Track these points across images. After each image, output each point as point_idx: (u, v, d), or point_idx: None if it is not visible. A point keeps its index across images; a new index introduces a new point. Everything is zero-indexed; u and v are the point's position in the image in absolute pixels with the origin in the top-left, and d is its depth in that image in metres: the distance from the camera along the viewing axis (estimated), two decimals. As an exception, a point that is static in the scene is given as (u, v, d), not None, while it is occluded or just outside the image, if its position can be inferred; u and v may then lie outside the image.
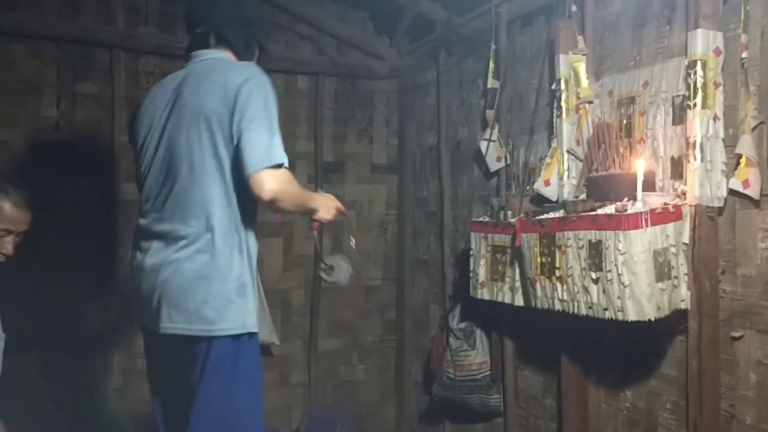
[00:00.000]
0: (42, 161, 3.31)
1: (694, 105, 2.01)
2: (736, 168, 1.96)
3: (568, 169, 2.54)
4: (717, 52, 2.02)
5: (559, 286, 2.24)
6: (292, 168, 1.97)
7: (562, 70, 2.54)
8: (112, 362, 3.38)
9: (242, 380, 1.93)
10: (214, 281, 1.89)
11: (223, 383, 1.90)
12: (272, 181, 1.84)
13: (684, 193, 2.05)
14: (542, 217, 2.36)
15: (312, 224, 2.17)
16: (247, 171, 1.84)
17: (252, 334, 1.96)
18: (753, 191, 1.92)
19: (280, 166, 1.88)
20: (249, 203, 1.95)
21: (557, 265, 2.24)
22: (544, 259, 2.31)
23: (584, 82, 2.48)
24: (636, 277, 1.97)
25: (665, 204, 2.04)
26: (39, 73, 3.31)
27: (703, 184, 2.00)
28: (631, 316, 1.98)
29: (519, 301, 2.54)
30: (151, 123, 2.03)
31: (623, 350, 2.38)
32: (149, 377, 2.17)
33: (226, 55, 2.06)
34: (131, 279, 2.08)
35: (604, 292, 2.05)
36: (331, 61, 3.92)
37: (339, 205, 2.17)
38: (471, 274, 2.80)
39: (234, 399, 1.91)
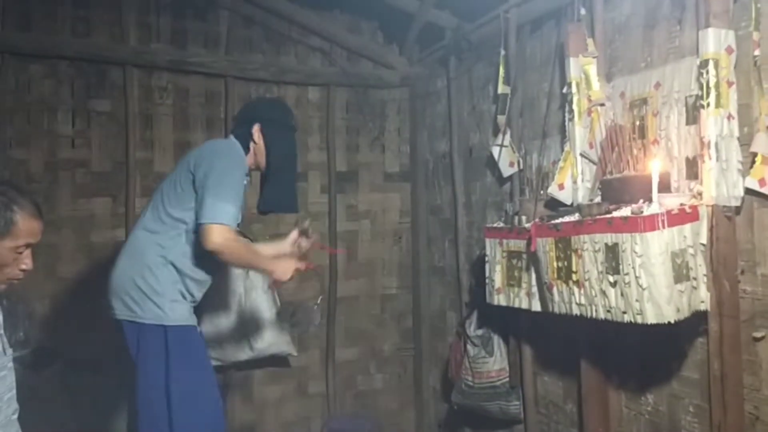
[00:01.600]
0: (59, 179, 3.35)
1: (708, 104, 1.99)
2: (752, 166, 1.94)
3: (582, 173, 2.53)
4: (729, 50, 2.00)
5: (576, 290, 2.22)
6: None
7: (573, 73, 2.53)
8: (130, 377, 3.39)
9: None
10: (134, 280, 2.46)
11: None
12: (214, 236, 2.28)
13: (700, 194, 2.03)
14: (557, 221, 2.35)
15: (271, 283, 2.59)
16: (198, 221, 2.32)
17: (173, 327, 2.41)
18: (770, 189, 1.90)
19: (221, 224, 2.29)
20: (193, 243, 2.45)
21: (574, 269, 2.22)
22: (560, 264, 2.29)
23: (595, 84, 2.47)
24: (654, 279, 1.95)
25: (681, 205, 2.02)
26: (54, 92, 3.36)
27: (719, 184, 1.98)
28: (651, 318, 1.96)
29: (536, 307, 2.52)
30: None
31: (643, 353, 2.36)
32: None
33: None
34: None
35: (622, 295, 2.04)
36: (342, 71, 3.94)
37: (298, 266, 2.49)
38: (487, 281, 2.78)
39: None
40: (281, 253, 2.70)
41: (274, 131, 2.55)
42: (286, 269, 2.46)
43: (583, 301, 2.20)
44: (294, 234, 2.77)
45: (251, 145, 2.54)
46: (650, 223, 1.95)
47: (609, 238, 2.07)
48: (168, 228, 2.42)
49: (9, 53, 3.24)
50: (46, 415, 2.77)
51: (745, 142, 1.99)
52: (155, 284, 2.39)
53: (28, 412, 1.78)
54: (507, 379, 3.02)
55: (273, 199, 2.61)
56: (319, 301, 2.92)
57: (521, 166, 3.02)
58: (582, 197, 2.51)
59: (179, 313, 2.43)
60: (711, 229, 2.01)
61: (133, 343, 2.42)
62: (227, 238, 2.30)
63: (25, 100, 3.30)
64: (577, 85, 2.53)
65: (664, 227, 1.95)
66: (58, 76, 3.37)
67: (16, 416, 1.73)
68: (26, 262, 1.71)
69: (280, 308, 3.04)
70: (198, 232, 2.33)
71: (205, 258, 2.41)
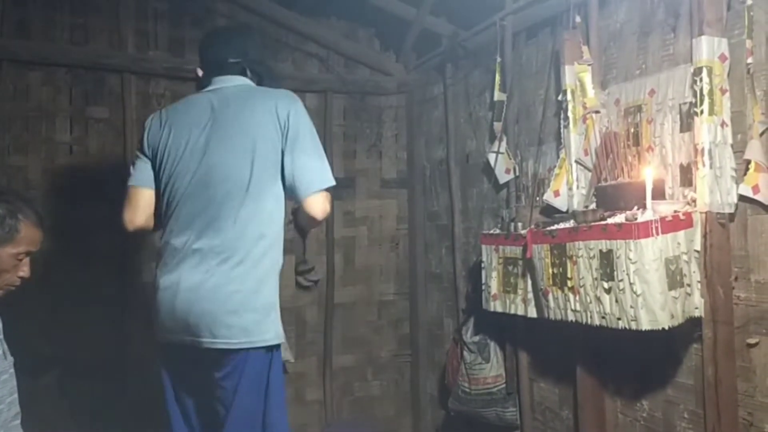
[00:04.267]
0: (56, 186, 3.36)
1: (701, 112, 2.01)
2: (745, 174, 1.96)
3: (577, 179, 2.54)
4: (722, 58, 2.02)
5: (571, 296, 2.23)
6: None
7: (568, 80, 2.55)
8: (128, 383, 3.40)
9: (274, 390, 2.05)
10: (253, 295, 1.99)
11: (258, 393, 2.01)
12: (327, 203, 2.04)
13: (694, 200, 2.04)
14: (553, 227, 2.36)
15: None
16: (303, 193, 2.01)
17: (279, 346, 2.08)
18: (763, 196, 1.92)
19: (328, 189, 2.05)
20: (282, 222, 2.08)
21: (569, 275, 2.23)
22: (555, 270, 2.30)
23: (590, 91, 2.48)
24: (648, 285, 1.96)
25: (675, 212, 2.03)
26: (52, 99, 3.37)
27: (712, 191, 1.99)
28: (645, 325, 1.97)
29: (532, 313, 2.53)
30: (187, 141, 2.08)
31: (638, 360, 2.37)
32: (172, 393, 2.18)
33: (252, 84, 2.19)
34: (156, 296, 2.09)
35: (616, 301, 2.05)
36: (339, 78, 3.96)
37: None
38: (483, 287, 2.79)
39: (265, 408, 2.03)
40: None
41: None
42: None
43: (578, 307, 2.21)
44: None
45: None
46: (644, 230, 1.96)
47: (603, 244, 2.08)
48: (268, 210, 2.02)
49: (7, 60, 3.25)
50: (44, 422, 2.77)
51: (738, 149, 2.01)
52: (272, 294, 2.04)
53: (25, 418, 1.79)
54: (503, 385, 3.03)
55: None
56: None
57: (517, 173, 3.03)
58: (577, 204, 2.52)
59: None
60: (705, 236, 2.02)
61: (233, 374, 1.99)
62: (330, 203, 2.08)
63: (23, 108, 3.30)
64: (573, 92, 2.54)
65: (658, 234, 1.96)
66: (56, 84, 3.38)
67: (18, 421, 1.76)
68: (24, 270, 1.76)
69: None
70: (301, 202, 2.03)
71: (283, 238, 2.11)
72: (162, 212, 2.14)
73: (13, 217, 1.68)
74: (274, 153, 2.02)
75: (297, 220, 2.25)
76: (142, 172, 2.18)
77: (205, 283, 1.97)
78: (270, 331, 2.01)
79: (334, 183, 2.06)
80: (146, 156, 2.19)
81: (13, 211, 1.69)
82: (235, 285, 1.97)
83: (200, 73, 2.23)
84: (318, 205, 2.02)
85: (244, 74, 2.17)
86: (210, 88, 2.16)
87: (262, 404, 2.02)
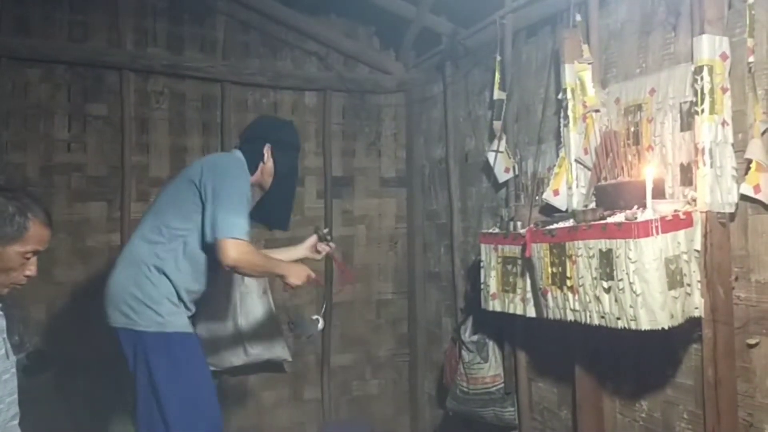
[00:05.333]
0: (54, 183, 3.35)
1: (702, 111, 2.00)
2: (746, 173, 1.94)
3: (577, 178, 2.53)
4: (723, 57, 2.01)
5: (570, 296, 2.22)
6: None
7: (568, 79, 2.54)
8: (126, 381, 3.38)
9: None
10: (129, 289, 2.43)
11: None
12: (233, 250, 2.27)
13: (694, 200, 2.03)
14: (552, 227, 2.35)
15: (285, 287, 2.53)
16: (211, 237, 2.30)
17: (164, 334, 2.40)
18: (764, 196, 1.91)
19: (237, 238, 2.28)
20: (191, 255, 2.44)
21: (568, 275, 2.22)
22: (555, 269, 2.29)
23: (590, 90, 2.47)
24: (648, 285, 1.95)
25: (675, 211, 2.02)
26: (51, 96, 3.37)
27: (713, 190, 1.98)
28: (644, 325, 1.96)
29: (531, 312, 2.52)
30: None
31: (638, 359, 2.36)
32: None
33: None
34: None
35: (616, 301, 2.04)
36: (339, 76, 3.95)
37: (310, 273, 2.50)
38: (482, 286, 2.78)
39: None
40: (295, 258, 2.73)
41: (283, 153, 2.59)
42: (299, 274, 2.48)
43: (577, 306, 2.19)
44: (313, 239, 2.82)
45: (260, 164, 2.56)
46: (644, 230, 1.95)
47: (603, 244, 2.07)
48: (165, 240, 2.40)
49: (6, 57, 3.25)
50: (41, 419, 2.76)
51: (739, 148, 2.00)
52: (153, 292, 2.38)
53: (23, 415, 1.79)
54: (502, 385, 3.02)
55: (267, 212, 2.63)
56: (322, 312, 2.87)
57: (517, 172, 3.02)
58: (577, 203, 2.51)
59: (179, 321, 2.42)
60: (705, 236, 2.01)
61: (130, 352, 2.40)
62: (243, 252, 2.29)
63: (21, 104, 3.30)
64: (573, 91, 2.53)
65: (658, 233, 1.95)
66: (55, 81, 3.37)
67: (16, 422, 1.76)
68: (31, 269, 1.76)
69: (277, 317, 3.01)
70: (206, 247, 2.35)
71: (199, 272, 2.45)
72: None
73: (22, 215, 1.68)
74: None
75: None
76: None
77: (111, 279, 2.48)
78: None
79: (236, 235, 2.28)
80: None
81: (23, 209, 1.68)
82: (120, 280, 2.44)
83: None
84: (220, 252, 2.29)
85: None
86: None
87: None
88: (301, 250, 2.81)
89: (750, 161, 1.92)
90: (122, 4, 3.48)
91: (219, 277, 2.73)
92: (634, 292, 1.96)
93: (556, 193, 2.60)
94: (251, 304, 3.36)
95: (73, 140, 3.41)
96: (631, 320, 1.99)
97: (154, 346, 2.36)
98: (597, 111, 2.47)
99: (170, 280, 2.40)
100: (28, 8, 3.31)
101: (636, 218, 1.98)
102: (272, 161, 2.57)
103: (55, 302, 3.29)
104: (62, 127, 3.39)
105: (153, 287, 2.38)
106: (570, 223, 2.29)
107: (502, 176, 3.07)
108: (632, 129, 2.34)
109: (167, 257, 2.40)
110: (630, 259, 1.97)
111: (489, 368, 3.02)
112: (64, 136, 3.40)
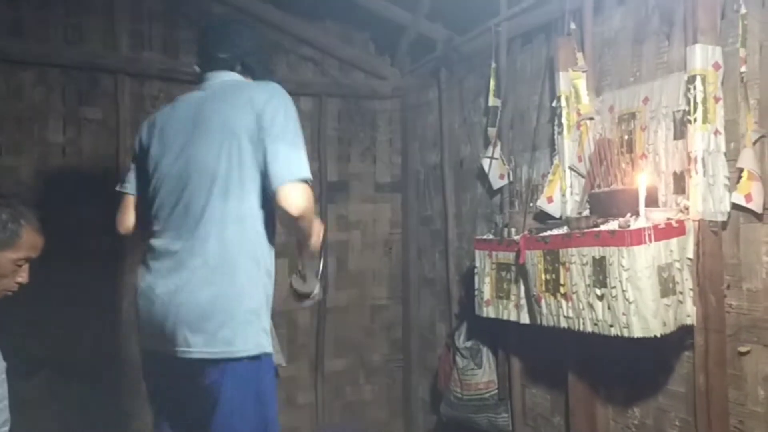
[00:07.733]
0: (49, 187, 3.34)
1: (695, 120, 2.01)
2: (738, 182, 1.96)
3: (571, 186, 2.54)
4: (716, 66, 2.02)
5: (564, 303, 2.23)
6: None
7: (563, 87, 2.55)
8: (119, 385, 3.38)
9: (260, 401, 1.88)
10: (233, 301, 1.83)
11: (241, 404, 1.84)
12: (301, 198, 1.77)
13: (687, 208, 2.05)
14: (546, 234, 2.36)
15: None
16: (273, 184, 1.77)
17: (268, 354, 1.90)
18: (756, 205, 1.92)
19: (305, 181, 1.81)
20: (271, 220, 1.90)
21: (562, 282, 2.23)
22: (548, 276, 2.30)
23: (585, 98, 2.49)
24: (641, 293, 1.96)
25: (668, 219, 2.03)
26: (45, 100, 3.35)
27: (705, 199, 2.00)
28: (637, 332, 1.97)
29: (524, 319, 2.53)
30: (170, 142, 1.97)
31: (630, 367, 2.37)
32: (155, 401, 2.12)
33: (246, 79, 2.07)
34: (136, 302, 2.00)
35: (609, 308, 2.05)
36: (334, 81, 3.96)
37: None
38: (476, 292, 2.79)
39: (251, 420, 1.86)
40: None
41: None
42: (319, 233, 2.04)
43: (570, 314, 2.20)
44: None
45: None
46: (637, 237, 1.96)
47: (596, 251, 2.08)
48: (250, 210, 1.85)
49: (0, 60, 3.23)
50: (32, 423, 2.75)
51: (731, 157, 2.01)
52: (260, 297, 1.87)
53: (14, 420, 1.77)
54: (495, 391, 3.02)
55: None
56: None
57: (511, 179, 3.03)
58: (570, 210, 2.52)
59: (268, 337, 1.91)
60: (697, 244, 2.02)
61: (214, 387, 1.82)
62: (311, 199, 1.82)
63: (16, 108, 3.28)
64: (567, 98, 2.54)
65: (650, 241, 1.96)
66: (50, 84, 3.36)
67: (7, 428, 1.74)
68: (23, 276, 1.76)
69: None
70: (271, 197, 1.80)
71: (274, 238, 1.93)
72: (148, 214, 2.04)
73: (15, 221, 1.68)
74: (253, 147, 1.84)
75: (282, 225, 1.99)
76: (129, 178, 2.15)
77: (180, 290, 1.82)
78: (250, 341, 1.83)
79: (308, 176, 1.81)
80: (136, 161, 2.14)
81: (16, 216, 1.68)
82: (211, 290, 1.81)
83: (197, 69, 2.20)
84: (288, 198, 1.75)
85: (233, 69, 2.05)
86: (200, 85, 2.08)
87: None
88: None
89: (742, 170, 1.94)
90: (118, 7, 3.48)
91: None
92: (627, 300, 1.97)
93: (550, 200, 2.62)
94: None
95: (68, 144, 3.40)
96: (624, 327, 2.00)
97: (248, 376, 1.83)
98: (591, 119, 2.49)
99: (266, 271, 1.90)
100: (22, 10, 3.29)
101: (629, 226, 1.99)
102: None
103: (47, 306, 3.26)
104: (57, 131, 3.37)
105: (257, 289, 1.86)
106: (564, 230, 2.30)
107: (496, 183, 3.09)
108: (626, 137, 2.35)
109: (256, 237, 1.86)
110: (623, 266, 1.98)
111: (483, 374, 3.03)
112: (58, 139, 3.38)
